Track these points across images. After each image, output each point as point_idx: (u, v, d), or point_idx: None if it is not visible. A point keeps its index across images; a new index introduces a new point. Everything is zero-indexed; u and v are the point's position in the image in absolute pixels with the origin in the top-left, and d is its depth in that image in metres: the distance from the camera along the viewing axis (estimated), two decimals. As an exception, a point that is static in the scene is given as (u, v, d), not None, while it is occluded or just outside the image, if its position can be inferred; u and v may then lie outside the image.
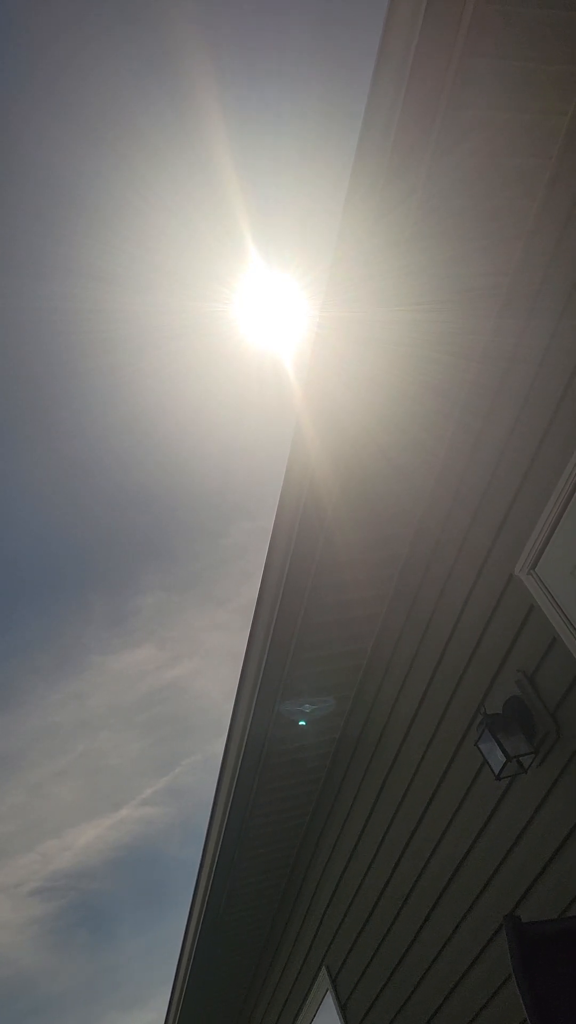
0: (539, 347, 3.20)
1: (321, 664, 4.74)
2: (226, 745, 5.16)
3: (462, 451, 3.79)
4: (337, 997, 5.40)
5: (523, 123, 2.91)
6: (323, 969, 5.66)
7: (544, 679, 3.23)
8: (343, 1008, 5.31)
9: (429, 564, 4.11)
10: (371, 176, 2.80)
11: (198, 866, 6.19)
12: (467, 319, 3.40)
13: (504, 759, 3.24)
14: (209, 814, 5.74)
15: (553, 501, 3.12)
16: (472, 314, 3.40)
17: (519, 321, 3.31)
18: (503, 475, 3.47)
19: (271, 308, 4.42)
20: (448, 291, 3.31)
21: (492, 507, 3.55)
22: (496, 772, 3.30)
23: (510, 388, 3.41)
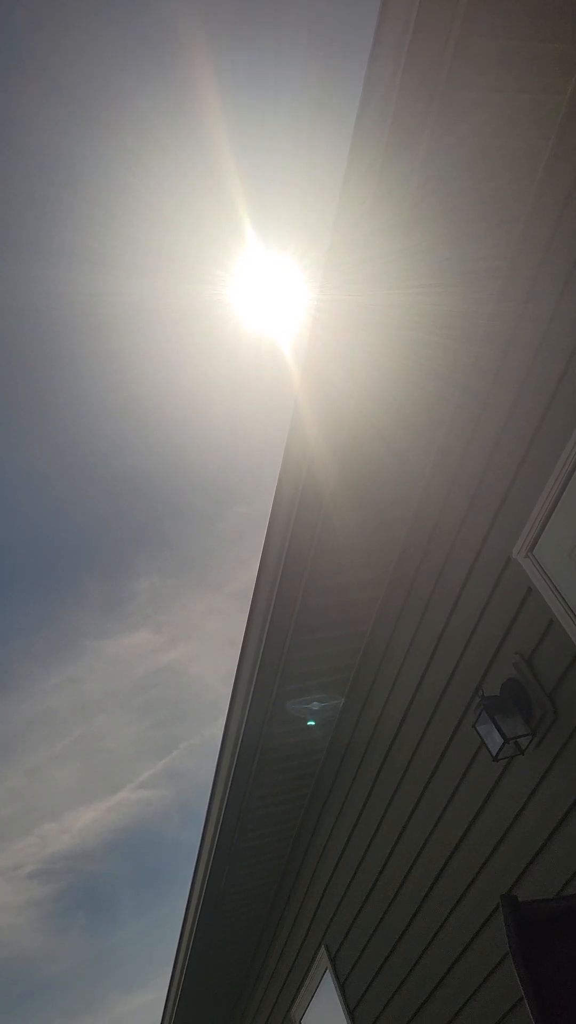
0: (537, 330, 3.19)
1: (319, 647, 4.75)
2: (225, 727, 5.18)
3: (460, 435, 3.79)
4: (336, 975, 5.46)
5: (522, 103, 2.88)
6: (322, 948, 5.71)
7: (541, 661, 3.25)
8: (342, 986, 5.37)
9: (427, 547, 4.11)
10: (368, 159, 2.78)
11: (198, 847, 6.24)
12: (466, 302, 3.39)
13: (502, 741, 3.26)
14: (208, 795, 5.78)
15: (551, 484, 3.12)
16: (471, 297, 3.39)
17: (517, 304, 3.29)
18: (501, 458, 3.47)
19: (269, 291, 4.40)
20: (447, 274, 3.29)
21: (490, 490, 3.55)
22: (494, 753, 3.32)
23: (508, 371, 3.40)
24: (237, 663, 4.78)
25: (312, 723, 5.29)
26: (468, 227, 3.19)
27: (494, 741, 3.31)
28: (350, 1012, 5.24)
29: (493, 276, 3.36)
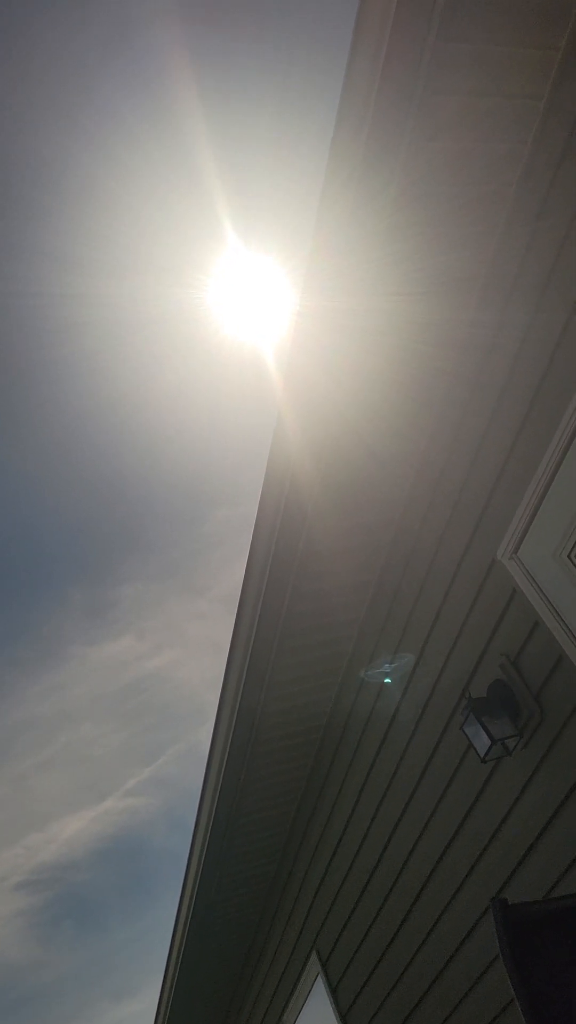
0: (515, 338, 3.22)
1: (306, 652, 4.76)
2: (213, 733, 5.17)
3: (442, 440, 3.80)
4: (328, 981, 5.46)
5: (499, 108, 2.90)
6: (314, 953, 5.70)
7: (527, 662, 3.26)
8: (334, 991, 5.36)
9: (412, 551, 4.12)
10: (347, 169, 2.80)
11: (187, 854, 6.22)
12: (445, 310, 3.41)
13: (489, 742, 3.27)
14: (197, 802, 5.77)
15: (533, 486, 3.14)
16: (450, 305, 3.41)
17: (495, 313, 3.32)
18: (483, 462, 3.49)
19: (251, 296, 4.40)
20: (427, 281, 3.31)
21: (473, 493, 3.57)
22: (482, 755, 3.33)
23: (488, 378, 3.42)
24: (224, 669, 4.78)
25: (300, 727, 5.29)
26: (447, 235, 3.21)
27: (482, 743, 3.32)
28: (342, 1017, 5.23)
29: (472, 284, 3.38)
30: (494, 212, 3.19)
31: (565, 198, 2.90)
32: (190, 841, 6.10)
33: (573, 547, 3.07)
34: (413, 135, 2.79)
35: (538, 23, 2.71)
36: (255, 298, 4.34)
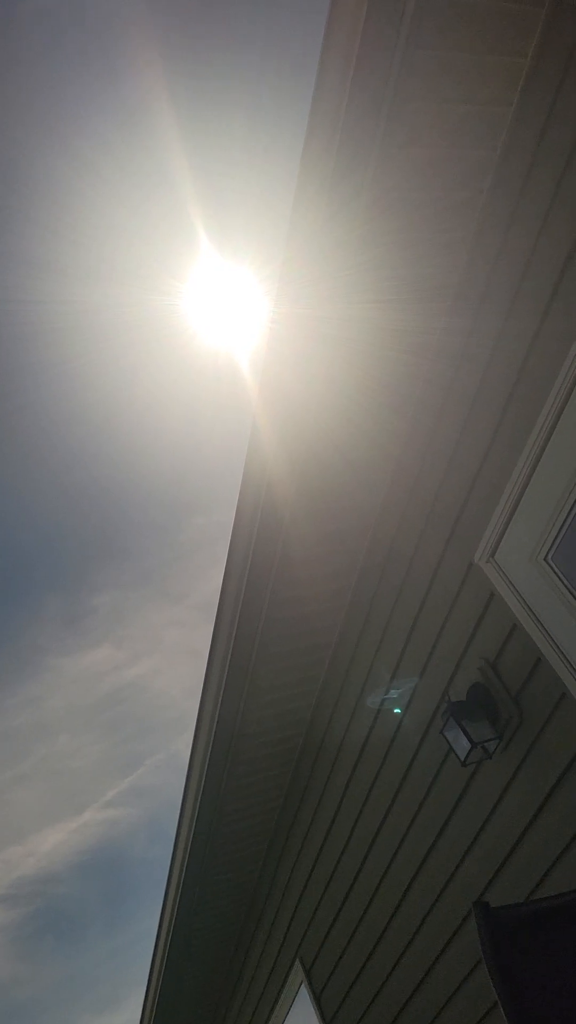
0: (487, 347, 3.25)
1: (286, 659, 4.75)
2: (194, 741, 5.15)
3: (417, 446, 3.82)
4: (312, 988, 5.44)
5: (469, 115, 2.93)
6: (297, 961, 5.68)
7: (506, 665, 3.28)
8: (318, 999, 5.34)
9: (389, 556, 4.14)
10: (318, 179, 2.81)
11: (168, 864, 6.18)
12: (418, 317, 3.44)
13: (469, 745, 3.28)
14: (177, 812, 5.73)
15: (508, 490, 3.16)
16: (423, 312, 3.43)
17: (468, 320, 3.35)
18: (458, 467, 3.51)
19: (225, 304, 4.40)
20: (400, 289, 3.33)
21: (449, 498, 3.59)
22: (462, 759, 3.34)
23: (461, 384, 3.45)
24: (204, 677, 4.76)
25: (280, 735, 5.28)
26: (419, 244, 3.23)
27: (462, 746, 3.33)
28: (327, 1024, 5.22)
29: (444, 291, 3.41)
30: (466, 220, 3.22)
31: (535, 206, 2.93)
32: (171, 851, 6.07)
33: (550, 550, 3.09)
34: (384, 143, 2.81)
35: (506, 30, 2.74)
36: (229, 306, 4.34)
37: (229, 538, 4.07)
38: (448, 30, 2.65)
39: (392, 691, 4.16)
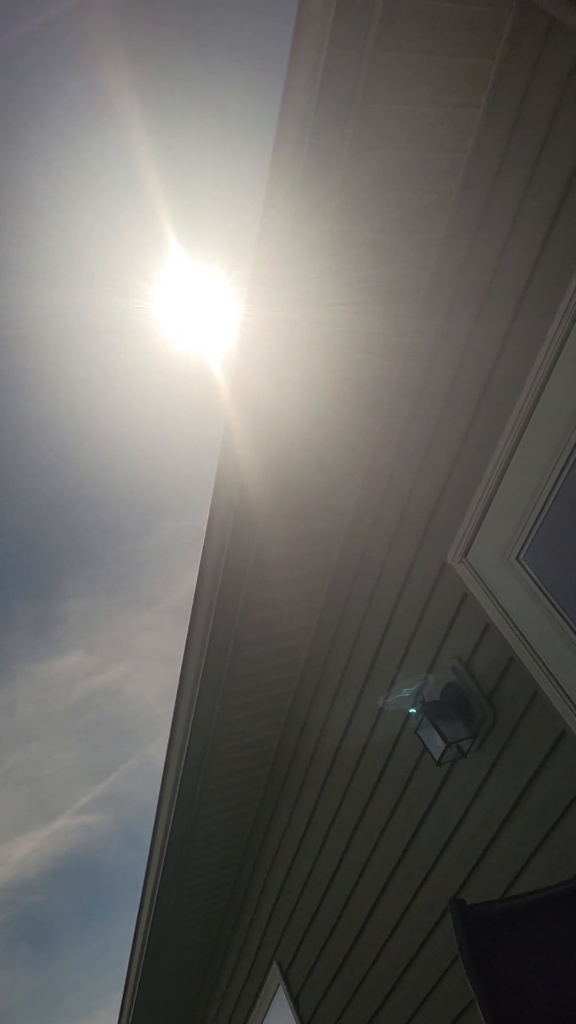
0: (458, 349, 3.27)
1: (260, 661, 4.75)
2: (169, 745, 5.13)
3: (389, 448, 3.84)
4: (289, 990, 5.43)
5: (438, 117, 2.95)
6: (274, 964, 5.68)
7: (479, 664, 3.30)
8: (295, 1001, 5.34)
9: (363, 558, 4.15)
10: (288, 183, 2.82)
11: (144, 870, 6.15)
12: (389, 319, 3.45)
13: (444, 745, 3.30)
14: (151, 817, 5.71)
15: (480, 491, 3.18)
16: (394, 314, 3.45)
17: (438, 323, 3.37)
18: (430, 469, 3.53)
19: (196, 307, 4.39)
20: (370, 292, 3.35)
21: (421, 500, 3.61)
22: (436, 758, 3.36)
23: (432, 387, 3.47)
24: (178, 681, 4.74)
25: (255, 737, 5.27)
26: (390, 246, 3.25)
27: (436, 746, 3.34)
28: (305, 1026, 5.21)
29: (414, 295, 3.43)
30: (436, 222, 3.24)
31: (504, 209, 2.95)
32: (147, 856, 6.03)
33: (521, 549, 3.12)
34: (354, 145, 2.82)
35: (473, 33, 2.77)
36: (200, 309, 4.33)
37: (202, 542, 4.06)
38: (416, 33, 2.67)
39: (365, 690, 4.17)
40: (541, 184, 2.76)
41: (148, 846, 5.95)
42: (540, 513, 3.01)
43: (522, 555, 3.13)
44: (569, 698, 2.83)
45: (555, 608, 2.96)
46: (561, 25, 2.55)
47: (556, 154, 2.67)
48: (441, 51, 2.77)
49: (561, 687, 2.87)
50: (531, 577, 3.08)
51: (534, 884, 3.03)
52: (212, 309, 4.10)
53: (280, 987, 5.61)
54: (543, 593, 3.02)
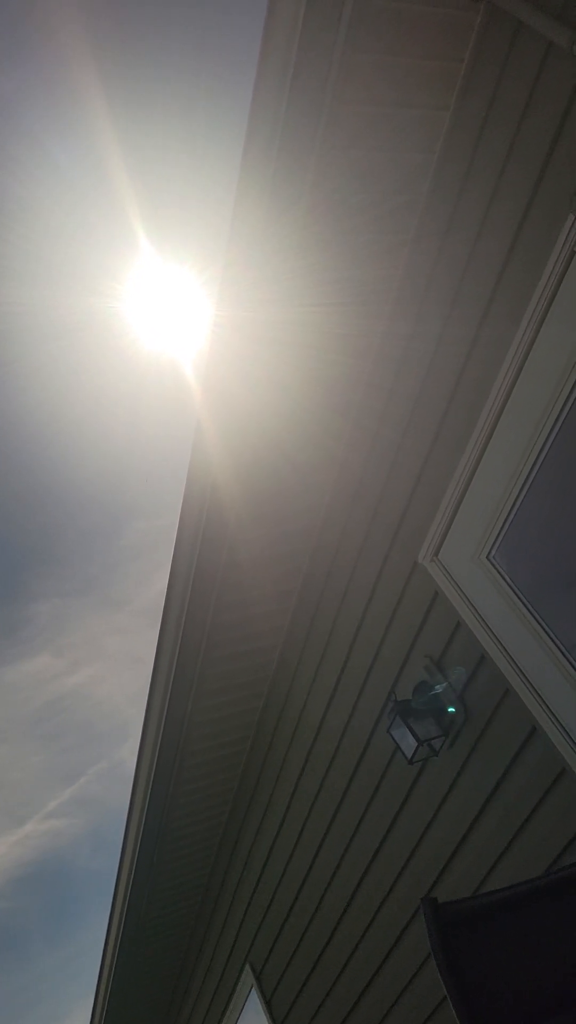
0: (428, 351, 3.29)
1: (232, 662, 4.74)
2: (140, 746, 5.10)
3: (360, 448, 3.85)
4: (262, 993, 5.43)
5: (407, 119, 2.96)
6: (247, 966, 5.66)
7: (451, 663, 3.32)
8: (268, 1003, 5.33)
9: (335, 557, 4.15)
10: (258, 185, 2.82)
11: (115, 872, 6.11)
12: (360, 321, 3.46)
13: (416, 744, 3.31)
14: (121, 821, 5.68)
15: (451, 491, 3.20)
16: (365, 316, 3.47)
17: (408, 324, 3.39)
18: (401, 469, 3.55)
19: (166, 306, 4.38)
20: (341, 293, 3.36)
21: (393, 499, 3.62)
22: (408, 757, 3.37)
23: (403, 387, 3.48)
24: (150, 682, 4.72)
25: (227, 738, 5.26)
26: (360, 248, 3.26)
27: (408, 744, 3.36)
28: (278, 1027, 5.21)
29: (384, 297, 3.44)
30: (406, 224, 3.26)
31: (472, 212, 2.97)
32: (118, 859, 5.99)
33: (491, 548, 3.14)
34: (324, 146, 2.82)
35: (441, 36, 2.78)
36: (171, 309, 4.32)
37: (173, 542, 4.04)
38: (385, 35, 2.68)
39: (338, 691, 4.18)
40: (509, 188, 2.79)
41: (119, 849, 5.92)
42: (510, 513, 3.04)
43: (492, 554, 3.15)
44: (539, 695, 2.86)
45: (524, 606, 2.98)
46: (528, 29, 2.57)
47: (523, 158, 2.70)
48: (410, 53, 2.78)
49: (531, 684, 2.89)
50: (501, 576, 3.11)
51: (506, 881, 3.05)
52: (183, 309, 4.09)
53: (253, 989, 5.60)
54: (513, 591, 3.04)
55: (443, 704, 3.30)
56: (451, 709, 3.26)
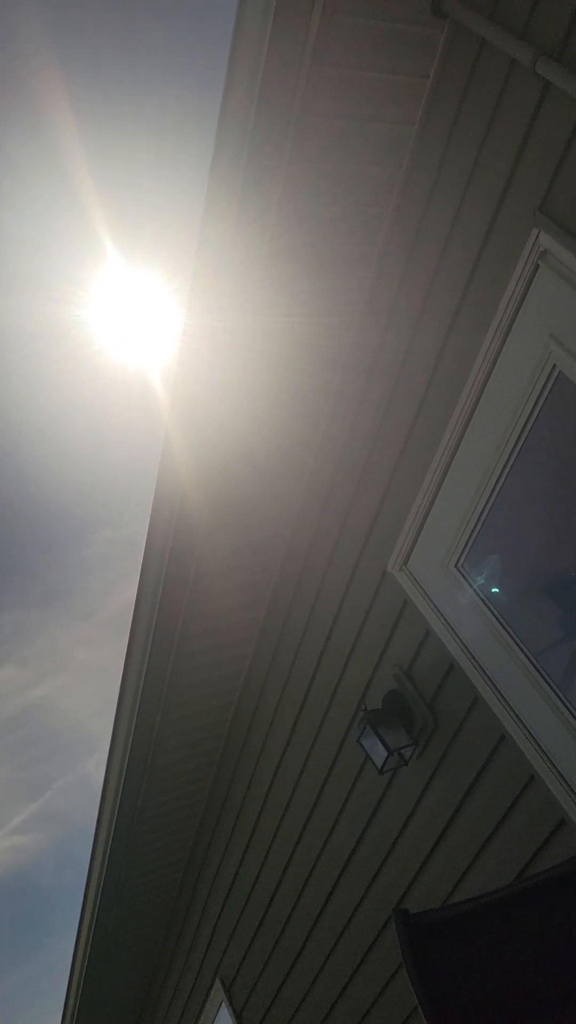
0: (396, 361, 3.31)
1: (202, 672, 4.71)
2: (108, 758, 5.05)
3: (330, 457, 3.86)
4: (232, 1007, 5.38)
5: (375, 132, 2.99)
6: (217, 980, 5.62)
7: (420, 671, 3.33)
8: (239, 1017, 5.30)
9: (305, 566, 4.16)
10: (226, 197, 2.83)
11: (83, 886, 6.04)
12: (329, 331, 3.48)
13: (386, 753, 3.31)
14: (88, 835, 5.62)
15: (419, 501, 3.22)
16: (334, 327, 3.48)
17: (376, 335, 3.41)
18: (370, 478, 3.56)
19: (135, 315, 4.37)
20: (310, 303, 3.37)
21: (362, 508, 3.64)
22: (379, 766, 3.37)
23: (372, 397, 3.50)
24: (118, 694, 4.68)
25: (197, 750, 5.23)
26: (328, 260, 3.28)
27: (378, 754, 3.36)
28: (249, 1041, 5.17)
29: (353, 307, 3.46)
30: (374, 236, 3.28)
31: (438, 226, 3.00)
32: (85, 875, 5.93)
33: (460, 557, 3.16)
34: (292, 158, 2.84)
35: (407, 51, 2.82)
36: (140, 318, 4.31)
37: (139, 552, 4.02)
38: (351, 50, 2.70)
39: (307, 701, 4.17)
40: (474, 201, 2.82)
41: (86, 865, 5.85)
42: (478, 522, 3.06)
43: (461, 562, 3.17)
44: (508, 703, 2.88)
45: (493, 614, 3.01)
46: (491, 47, 2.61)
47: (488, 172, 2.73)
48: (377, 68, 2.81)
49: (500, 692, 2.91)
50: (470, 584, 3.13)
51: (476, 890, 3.06)
52: (152, 318, 4.08)
53: (223, 1004, 5.56)
54: (481, 600, 3.06)
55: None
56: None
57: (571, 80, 2.28)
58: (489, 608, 3.03)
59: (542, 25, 2.40)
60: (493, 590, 3.08)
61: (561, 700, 2.73)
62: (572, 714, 2.69)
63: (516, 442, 2.82)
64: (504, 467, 2.89)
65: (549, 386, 2.65)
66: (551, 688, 2.77)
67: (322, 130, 2.85)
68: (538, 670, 2.82)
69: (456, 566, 3.19)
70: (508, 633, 2.94)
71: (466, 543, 3.13)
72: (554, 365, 2.59)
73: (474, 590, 3.11)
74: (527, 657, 2.87)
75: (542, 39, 2.40)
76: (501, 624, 2.98)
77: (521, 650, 2.89)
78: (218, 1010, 5.72)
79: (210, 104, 2.79)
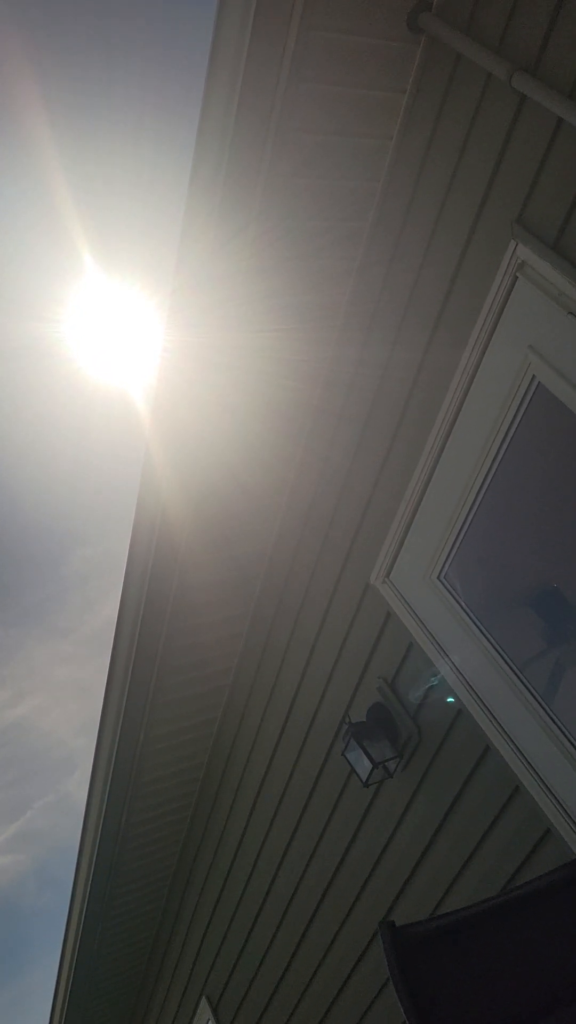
0: (375, 376, 3.33)
1: (185, 688, 4.69)
2: (92, 776, 5.00)
3: (311, 472, 3.86)
4: (220, 1024, 5.33)
5: (353, 147, 3.01)
6: (203, 998, 5.56)
7: (404, 683, 3.33)
8: (227, 1035, 5.24)
9: (287, 580, 4.15)
10: (204, 214, 2.84)
11: (67, 907, 5.96)
12: (309, 346, 3.49)
13: (371, 766, 3.30)
14: (70, 855, 5.56)
15: (401, 513, 3.23)
16: (314, 342, 3.50)
17: (355, 350, 3.43)
18: (352, 492, 3.57)
19: (114, 331, 4.36)
20: (289, 319, 3.38)
21: (344, 522, 3.64)
22: (364, 779, 3.36)
23: (352, 412, 3.51)
24: (101, 712, 4.64)
25: (181, 766, 5.19)
26: (307, 275, 3.30)
27: (363, 767, 3.35)
28: (237, 1060, 5.11)
29: (332, 323, 3.48)
30: (352, 252, 3.30)
31: (416, 240, 3.03)
32: (68, 896, 5.85)
33: (442, 568, 3.17)
34: (270, 174, 2.86)
35: (383, 67, 2.85)
36: (119, 334, 4.30)
37: (119, 569, 4.01)
38: (328, 65, 2.73)
39: (291, 715, 4.16)
40: (451, 215, 2.85)
41: (68, 886, 5.78)
42: (459, 533, 3.07)
43: (443, 574, 3.18)
44: (491, 714, 2.88)
45: (475, 625, 3.01)
46: (467, 62, 2.64)
47: (465, 186, 2.76)
48: (354, 83, 2.84)
49: (484, 703, 2.92)
50: (452, 595, 3.14)
51: (462, 902, 3.05)
52: (131, 334, 4.08)
53: (210, 1022, 5.50)
54: (464, 611, 3.07)
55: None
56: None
57: (547, 94, 2.31)
58: (471, 619, 3.04)
59: (517, 40, 2.43)
60: (475, 601, 3.09)
61: (544, 709, 2.74)
62: (555, 723, 2.70)
63: (497, 453, 2.83)
64: (485, 478, 2.91)
65: (529, 397, 2.67)
66: (534, 698, 2.78)
67: (300, 145, 2.87)
68: (521, 680, 2.83)
69: (439, 577, 3.19)
70: (491, 643, 2.95)
71: (448, 554, 3.14)
72: (533, 376, 2.61)
73: (457, 601, 3.11)
74: (510, 667, 2.88)
75: (518, 54, 2.43)
76: (484, 634, 2.98)
77: (504, 660, 2.90)
78: (205, 1029, 5.66)
79: (188, 120, 2.80)
